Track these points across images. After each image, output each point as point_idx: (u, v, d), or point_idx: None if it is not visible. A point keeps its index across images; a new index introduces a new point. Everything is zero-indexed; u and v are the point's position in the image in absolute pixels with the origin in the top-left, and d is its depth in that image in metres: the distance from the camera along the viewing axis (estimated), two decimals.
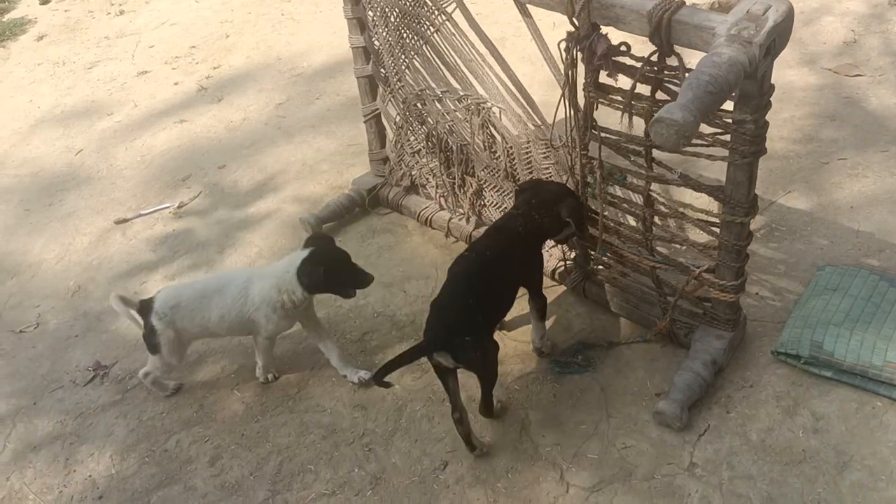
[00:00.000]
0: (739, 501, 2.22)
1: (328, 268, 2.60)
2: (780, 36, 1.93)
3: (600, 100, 2.38)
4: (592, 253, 2.75)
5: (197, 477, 2.56)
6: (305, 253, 2.64)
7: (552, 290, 2.93)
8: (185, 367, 2.92)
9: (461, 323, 2.33)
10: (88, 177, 4.19)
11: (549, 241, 2.71)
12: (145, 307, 2.69)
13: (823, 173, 3.35)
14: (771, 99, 2.11)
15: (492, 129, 2.86)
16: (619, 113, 2.32)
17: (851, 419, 2.38)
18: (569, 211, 2.53)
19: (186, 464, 2.61)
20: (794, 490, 2.22)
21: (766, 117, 2.12)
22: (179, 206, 3.82)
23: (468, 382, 2.51)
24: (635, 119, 2.30)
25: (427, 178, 3.32)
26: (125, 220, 3.80)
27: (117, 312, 2.78)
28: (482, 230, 2.95)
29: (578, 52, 2.29)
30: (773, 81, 2.09)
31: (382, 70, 3.16)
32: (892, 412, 2.37)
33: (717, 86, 1.76)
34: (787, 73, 3.98)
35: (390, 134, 3.38)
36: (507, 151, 2.88)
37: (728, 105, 2.06)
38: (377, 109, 3.35)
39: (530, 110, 2.72)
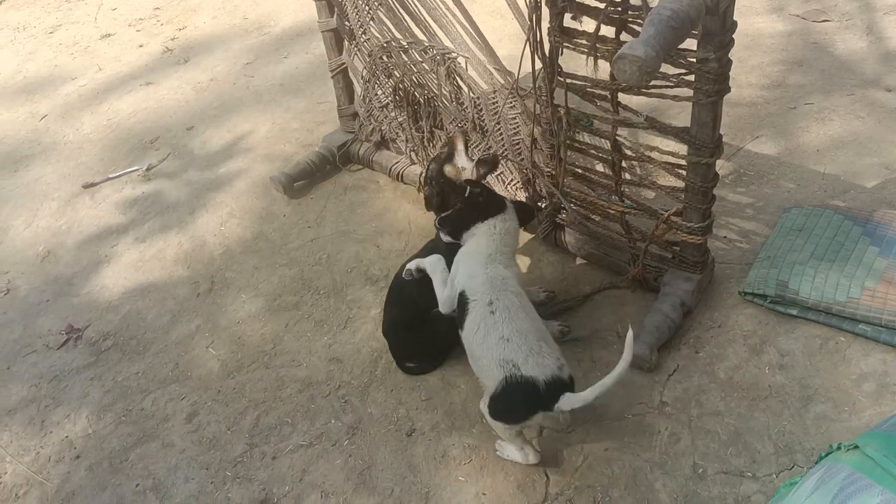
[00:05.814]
0: (707, 437, 2.27)
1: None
2: None
3: (565, 44, 2.36)
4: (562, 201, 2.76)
5: (174, 433, 2.57)
6: None
7: (522, 236, 2.93)
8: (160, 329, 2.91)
9: None
10: (54, 142, 4.12)
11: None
12: None
13: (791, 118, 3.37)
14: (740, 46, 2.12)
15: (458, 79, 2.84)
16: (584, 60, 2.31)
17: (816, 354, 2.43)
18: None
19: (163, 421, 2.62)
20: (760, 424, 2.27)
21: (735, 63, 2.12)
22: (148, 169, 3.77)
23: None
24: (601, 63, 2.29)
25: (396, 133, 3.30)
26: (93, 184, 3.74)
27: None
28: None
29: None
30: (742, 29, 2.09)
31: (347, 23, 3.12)
32: (854, 346, 2.42)
33: (678, 20, 1.75)
34: (755, 20, 3.98)
35: (358, 89, 3.35)
36: (474, 102, 2.86)
37: (692, 45, 2.07)
38: (344, 64, 3.31)
39: (494, 59, 2.70)
